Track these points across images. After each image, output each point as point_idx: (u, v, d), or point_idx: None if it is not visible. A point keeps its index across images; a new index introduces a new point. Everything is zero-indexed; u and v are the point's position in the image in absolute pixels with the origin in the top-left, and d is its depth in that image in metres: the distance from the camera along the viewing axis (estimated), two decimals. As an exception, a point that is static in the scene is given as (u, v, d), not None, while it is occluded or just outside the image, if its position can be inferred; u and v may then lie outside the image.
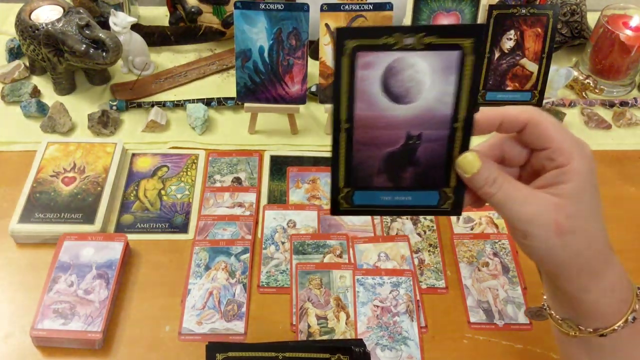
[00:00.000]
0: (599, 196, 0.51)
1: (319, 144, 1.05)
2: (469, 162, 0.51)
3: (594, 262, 0.52)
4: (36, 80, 1.14)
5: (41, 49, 1.04)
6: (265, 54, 0.98)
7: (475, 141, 0.52)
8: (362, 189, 0.53)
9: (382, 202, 0.54)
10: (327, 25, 0.98)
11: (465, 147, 0.51)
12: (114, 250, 0.84)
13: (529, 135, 0.51)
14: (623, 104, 1.14)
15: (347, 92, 0.50)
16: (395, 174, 0.53)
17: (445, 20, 0.99)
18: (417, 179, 0.53)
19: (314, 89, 1.10)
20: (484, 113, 0.52)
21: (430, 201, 0.54)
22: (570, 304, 0.54)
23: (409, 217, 0.93)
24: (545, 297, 0.59)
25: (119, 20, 1.08)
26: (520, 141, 0.53)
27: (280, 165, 1.00)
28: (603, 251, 0.52)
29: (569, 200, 0.49)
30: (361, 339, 0.75)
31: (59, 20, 1.02)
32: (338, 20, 0.97)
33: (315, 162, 1.02)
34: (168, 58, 1.20)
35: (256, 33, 0.97)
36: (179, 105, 1.09)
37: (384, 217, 0.92)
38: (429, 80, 0.49)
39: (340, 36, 0.48)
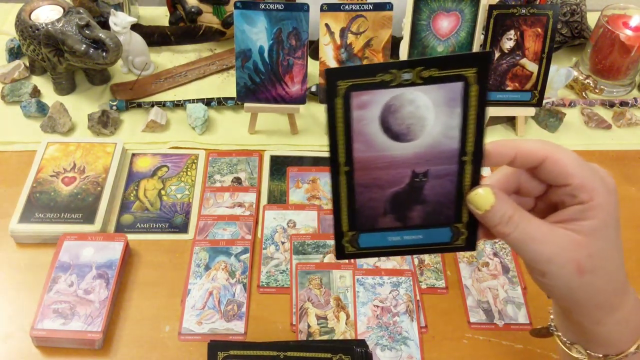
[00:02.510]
0: (620, 228, 0.48)
1: (319, 144, 1.05)
2: (482, 198, 0.47)
3: (612, 298, 0.50)
4: (36, 80, 1.14)
5: (41, 49, 1.04)
6: (265, 54, 0.98)
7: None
8: (367, 232, 0.50)
9: (390, 243, 0.51)
10: (327, 25, 0.98)
11: (476, 181, 0.48)
12: (114, 250, 0.84)
13: (547, 172, 0.47)
14: (623, 104, 1.14)
15: (343, 133, 0.47)
16: (403, 214, 0.50)
17: (445, 20, 0.99)
18: (426, 217, 0.50)
19: (314, 89, 1.10)
20: (496, 146, 0.48)
21: (442, 238, 0.51)
22: (582, 332, 0.52)
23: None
24: (552, 317, 0.57)
25: (119, 20, 1.08)
26: (536, 175, 0.49)
27: (280, 165, 1.00)
28: (621, 286, 0.50)
29: (591, 239, 0.47)
30: (363, 340, 0.75)
31: (59, 20, 1.02)
32: (338, 20, 0.97)
33: (315, 162, 1.02)
34: (168, 58, 1.20)
35: (256, 33, 0.97)
36: (179, 105, 1.09)
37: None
38: (431, 116, 0.46)
39: (332, 77, 0.45)
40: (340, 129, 0.47)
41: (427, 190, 0.49)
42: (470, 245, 0.51)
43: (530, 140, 0.48)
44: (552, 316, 0.57)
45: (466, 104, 0.46)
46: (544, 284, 0.49)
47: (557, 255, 0.46)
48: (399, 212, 0.50)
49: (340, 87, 0.45)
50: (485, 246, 0.89)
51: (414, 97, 0.45)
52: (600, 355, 0.52)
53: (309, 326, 0.79)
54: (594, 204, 0.46)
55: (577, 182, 0.46)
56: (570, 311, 0.51)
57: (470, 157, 0.47)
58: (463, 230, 0.50)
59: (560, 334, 0.55)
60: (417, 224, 0.50)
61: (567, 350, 0.55)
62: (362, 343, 0.74)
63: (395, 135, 0.47)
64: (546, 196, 0.51)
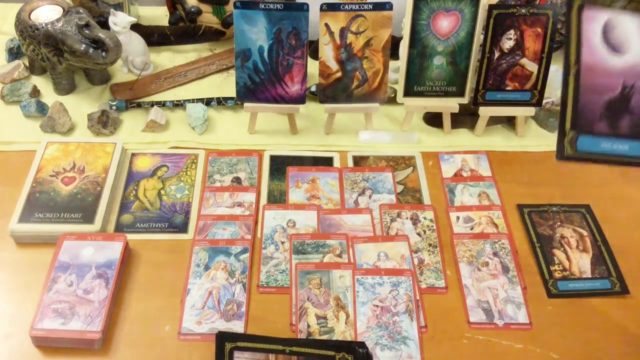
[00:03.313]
0: None
1: (319, 143, 1.05)
2: None
3: None
4: (36, 80, 1.14)
5: (41, 49, 1.04)
6: (265, 54, 0.98)
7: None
8: (585, 134, 0.59)
9: (602, 150, 0.60)
10: (326, 25, 0.98)
11: None
12: (113, 250, 0.84)
13: None
14: (623, 103, 1.13)
15: (575, 40, 0.58)
16: (614, 121, 0.58)
17: (445, 19, 0.99)
18: (633, 127, 0.58)
19: (313, 88, 1.10)
20: None
21: None
22: None
23: (408, 217, 0.93)
24: None
25: (119, 20, 1.08)
26: None
27: (280, 165, 1.00)
28: None
29: None
30: (363, 342, 0.75)
31: (58, 20, 1.02)
32: (338, 20, 0.97)
33: (315, 162, 1.02)
34: (168, 58, 1.20)
35: (256, 33, 0.97)
36: (178, 105, 1.09)
37: (384, 216, 0.92)
38: (637, 37, 0.57)
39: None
40: (574, 36, 0.58)
41: (634, 101, 0.58)
42: None
43: None
44: None
45: None
46: None
47: None
48: (611, 119, 0.59)
49: (575, 2, 0.58)
50: (485, 246, 0.89)
51: (628, 19, 0.57)
52: None
53: (308, 326, 0.79)
54: None
55: None
56: None
57: None
58: None
59: None
60: (625, 134, 0.59)
61: None
62: (361, 345, 0.74)
63: (612, 47, 0.58)
64: None
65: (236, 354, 0.68)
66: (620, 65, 0.59)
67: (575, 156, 0.60)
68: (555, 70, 1.08)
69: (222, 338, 0.68)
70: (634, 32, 0.58)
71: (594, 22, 0.59)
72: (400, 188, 0.98)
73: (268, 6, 0.95)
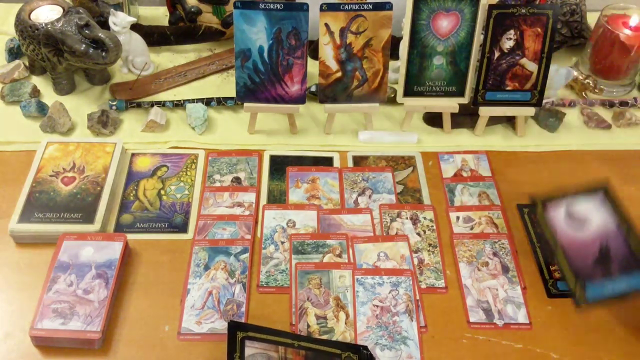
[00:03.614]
0: None
1: (319, 143, 1.05)
2: None
3: None
4: (36, 80, 1.14)
5: (41, 48, 1.04)
6: (265, 54, 0.98)
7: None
8: (589, 283, 0.76)
9: (611, 292, 0.77)
10: (326, 25, 0.97)
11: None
12: (113, 250, 0.84)
13: None
14: (623, 103, 1.13)
15: (548, 229, 0.81)
16: (606, 269, 0.77)
17: (445, 19, 0.99)
18: (622, 269, 0.77)
19: (313, 88, 1.10)
20: None
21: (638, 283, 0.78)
22: None
23: (408, 217, 0.93)
24: None
25: (119, 20, 1.08)
26: None
27: (279, 165, 1.00)
28: None
29: None
30: (366, 346, 0.75)
31: (58, 20, 1.02)
32: (338, 20, 0.97)
33: (315, 161, 1.01)
34: (168, 58, 1.20)
35: (256, 33, 0.97)
36: (178, 105, 1.08)
37: (384, 216, 0.92)
38: (592, 211, 0.82)
39: (536, 200, 0.85)
40: (546, 227, 0.82)
41: (612, 253, 0.79)
42: None
43: None
44: None
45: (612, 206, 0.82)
46: None
47: None
48: (603, 269, 0.77)
49: (539, 205, 0.84)
50: (485, 246, 0.89)
51: (582, 201, 0.83)
52: None
53: (308, 326, 0.79)
54: None
55: None
56: None
57: (627, 229, 0.80)
58: None
59: None
60: (618, 274, 0.77)
61: None
62: (365, 348, 0.75)
63: (578, 224, 0.81)
64: None
65: (247, 342, 0.69)
66: (591, 233, 0.80)
67: (590, 303, 0.77)
68: (555, 70, 1.08)
69: (234, 327, 0.69)
70: (588, 208, 0.81)
71: (557, 212, 0.81)
72: (400, 188, 0.98)
73: (268, 6, 0.95)
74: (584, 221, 0.81)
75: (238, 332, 0.70)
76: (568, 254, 0.79)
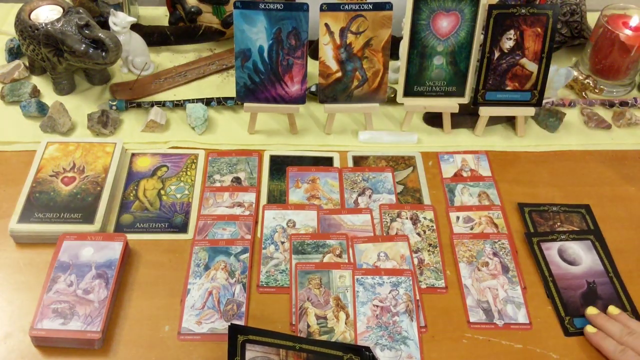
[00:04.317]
0: None
1: (319, 143, 1.05)
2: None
3: None
4: (36, 80, 1.14)
5: (41, 49, 1.04)
6: (265, 54, 0.98)
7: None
8: (577, 317, 0.81)
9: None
10: (326, 25, 0.97)
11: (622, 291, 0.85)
12: (113, 250, 0.84)
13: None
14: (623, 103, 1.13)
15: (543, 263, 0.87)
16: (594, 305, 0.82)
17: (445, 19, 0.99)
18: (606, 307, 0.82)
19: (313, 88, 1.10)
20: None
21: None
22: None
23: (408, 217, 0.93)
24: None
25: (119, 20, 1.08)
26: None
27: (279, 165, 1.00)
28: None
29: None
30: (369, 347, 0.75)
31: (58, 20, 1.02)
32: (338, 20, 0.97)
33: (315, 161, 1.02)
34: (168, 58, 1.20)
35: (256, 33, 0.97)
36: (178, 105, 1.08)
37: (384, 216, 0.92)
38: (582, 253, 0.89)
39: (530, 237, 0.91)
40: (542, 261, 0.88)
41: (599, 291, 0.84)
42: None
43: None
44: None
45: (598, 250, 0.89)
46: None
47: None
48: (590, 304, 0.82)
49: (534, 241, 0.90)
50: (485, 246, 0.89)
51: (572, 244, 0.90)
52: None
53: (308, 326, 0.79)
54: None
55: None
56: None
57: (613, 274, 0.86)
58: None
59: None
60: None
61: None
62: (367, 349, 0.74)
63: (569, 262, 0.88)
64: None
65: (248, 346, 0.69)
66: (580, 271, 0.87)
67: (577, 332, 0.81)
68: (555, 70, 1.08)
69: (235, 330, 0.69)
70: (578, 251, 0.89)
71: (551, 250, 0.89)
72: (400, 188, 0.98)
73: (268, 6, 0.95)
74: (575, 260, 0.88)
75: (239, 336, 0.69)
76: (559, 288, 0.84)
